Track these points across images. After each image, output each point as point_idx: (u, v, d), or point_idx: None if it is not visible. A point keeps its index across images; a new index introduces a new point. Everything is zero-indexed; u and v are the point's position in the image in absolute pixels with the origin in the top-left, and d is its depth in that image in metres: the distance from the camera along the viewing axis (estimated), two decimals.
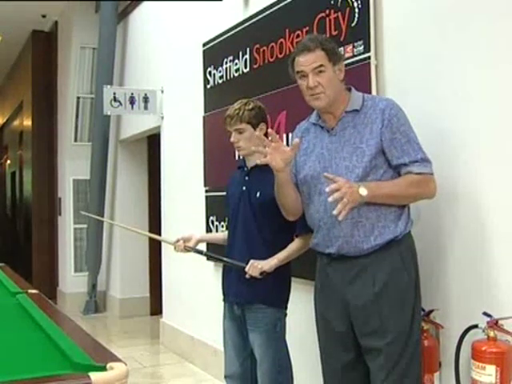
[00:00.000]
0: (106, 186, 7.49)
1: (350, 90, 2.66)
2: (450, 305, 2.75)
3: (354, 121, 2.56)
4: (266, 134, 2.95)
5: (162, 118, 6.02)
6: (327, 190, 2.35)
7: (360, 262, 2.52)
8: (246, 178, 3.13)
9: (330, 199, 2.34)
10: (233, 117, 3.07)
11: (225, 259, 3.09)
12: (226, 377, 3.19)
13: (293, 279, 3.16)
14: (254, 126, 3.06)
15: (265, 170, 2.84)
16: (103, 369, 1.84)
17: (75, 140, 8.17)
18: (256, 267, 2.93)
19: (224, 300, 3.19)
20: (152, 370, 4.59)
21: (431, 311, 2.72)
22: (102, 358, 1.96)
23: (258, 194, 3.04)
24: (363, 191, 2.39)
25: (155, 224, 6.78)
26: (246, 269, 2.95)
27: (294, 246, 3.01)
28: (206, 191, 4.88)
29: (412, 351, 2.50)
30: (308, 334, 3.18)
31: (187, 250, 3.26)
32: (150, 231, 6.55)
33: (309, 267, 2.92)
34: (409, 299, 2.48)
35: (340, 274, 2.58)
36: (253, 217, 3.05)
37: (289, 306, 3.08)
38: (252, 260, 2.96)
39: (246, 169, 3.16)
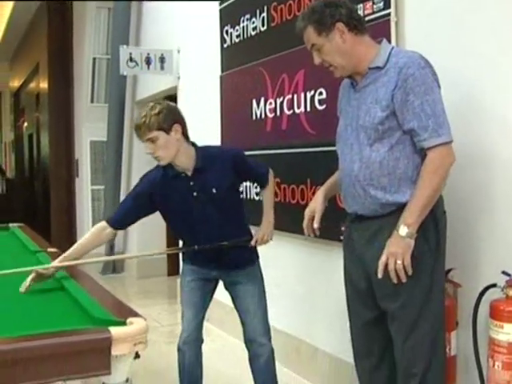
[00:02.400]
0: (122, 147, 7.49)
1: (381, 42, 2.53)
2: (469, 264, 2.74)
3: (376, 78, 2.47)
4: (185, 135, 2.90)
5: (179, 78, 5.98)
6: (379, 274, 2.38)
7: (376, 223, 2.50)
8: (191, 183, 2.95)
9: (380, 275, 2.38)
10: (140, 127, 2.81)
11: (225, 243, 3.01)
12: (182, 345, 3.14)
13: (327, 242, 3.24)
14: (167, 131, 2.82)
15: (204, 166, 2.91)
16: (123, 324, 1.87)
17: (92, 101, 8.16)
18: (263, 239, 3.10)
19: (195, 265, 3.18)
20: (169, 329, 4.65)
21: (449, 270, 2.71)
22: (121, 314, 1.99)
23: (214, 191, 2.96)
24: (402, 232, 2.34)
25: None
26: (253, 243, 3.08)
27: (268, 198, 3.18)
28: None
29: (432, 318, 2.48)
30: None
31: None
32: None
33: None
34: (425, 266, 2.42)
35: (359, 234, 2.58)
36: (220, 212, 2.99)
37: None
38: (254, 235, 3.09)
39: (184, 175, 2.96)
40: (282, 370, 3.89)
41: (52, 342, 1.74)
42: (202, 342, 3.19)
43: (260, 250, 3.17)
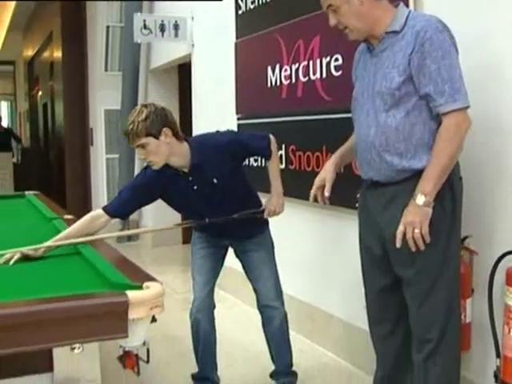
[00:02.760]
0: None
1: (398, 6, 2.48)
2: (485, 231, 2.73)
3: (393, 43, 2.43)
4: (176, 135, 2.83)
5: (193, 45, 5.94)
6: (398, 244, 2.38)
7: (392, 190, 2.49)
8: (190, 178, 2.93)
9: (399, 245, 2.38)
10: (129, 134, 2.74)
11: (236, 216, 3.01)
12: (195, 312, 3.16)
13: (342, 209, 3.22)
14: (156, 136, 2.74)
15: (200, 161, 2.87)
16: (140, 288, 1.88)
17: (106, 70, 8.13)
18: (275, 212, 3.09)
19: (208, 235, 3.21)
20: (184, 296, 4.68)
21: (466, 237, 2.70)
22: (138, 278, 2.00)
23: (215, 181, 2.94)
24: (420, 201, 2.33)
25: None
26: (265, 215, 3.10)
27: (274, 169, 3.12)
28: (238, 119, 4.86)
29: (447, 284, 2.48)
30: None
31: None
32: None
33: None
34: (441, 233, 2.41)
35: (375, 200, 2.57)
36: (225, 197, 2.98)
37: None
38: (265, 206, 3.10)
39: (182, 172, 2.93)
40: (296, 337, 3.92)
41: (69, 305, 1.75)
42: (214, 307, 3.22)
43: (274, 217, 3.17)
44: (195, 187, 2.93)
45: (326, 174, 2.74)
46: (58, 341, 1.77)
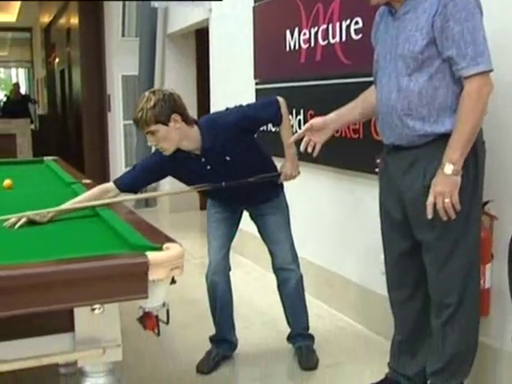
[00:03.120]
0: (154, 81, 7.44)
1: None
2: (505, 196, 2.70)
3: (416, 5, 2.38)
4: (185, 120, 2.80)
5: (210, 10, 5.87)
6: (429, 215, 2.37)
7: (413, 153, 2.47)
8: (203, 160, 2.92)
9: (430, 216, 2.37)
10: (138, 122, 2.75)
11: (252, 179, 2.99)
12: (212, 275, 3.19)
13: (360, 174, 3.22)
14: (165, 123, 2.74)
15: (211, 143, 2.85)
16: (159, 249, 1.89)
17: (123, 35, 8.09)
18: (291, 176, 3.09)
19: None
20: (202, 261, 4.68)
21: (486, 202, 2.68)
22: (157, 239, 2.01)
23: (228, 158, 2.93)
24: (448, 170, 2.31)
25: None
26: (281, 179, 3.11)
27: (286, 133, 3.09)
28: (257, 83, 4.82)
29: (467, 249, 2.48)
30: None
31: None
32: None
33: None
34: (463, 198, 2.39)
35: (396, 164, 2.55)
36: (239, 170, 2.97)
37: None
38: (281, 170, 3.10)
39: (194, 155, 2.92)
40: (313, 302, 3.95)
41: (89, 266, 1.76)
42: (229, 269, 3.25)
43: (292, 181, 3.16)
44: (208, 167, 2.94)
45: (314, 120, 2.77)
46: (78, 301, 1.78)
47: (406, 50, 2.38)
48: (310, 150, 2.75)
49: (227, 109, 3.04)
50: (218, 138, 2.88)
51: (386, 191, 2.67)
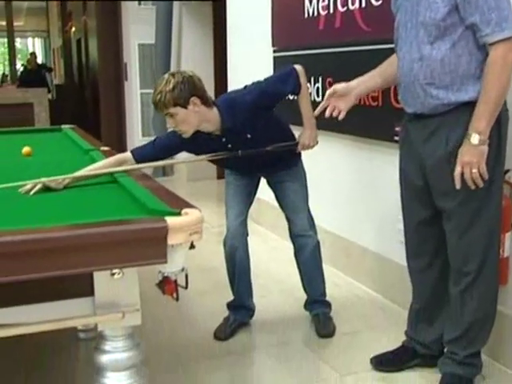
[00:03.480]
0: (171, 49, 7.41)
1: None
2: None
3: None
4: (205, 103, 2.77)
5: None
6: (457, 185, 2.35)
7: (435, 121, 2.44)
8: (223, 139, 2.91)
9: (459, 186, 2.36)
10: (157, 104, 2.73)
11: (269, 148, 2.97)
12: (230, 240, 3.21)
13: (379, 142, 3.22)
14: (184, 106, 2.71)
15: (231, 124, 2.83)
16: (178, 214, 1.89)
17: (139, 3, 8.04)
18: (309, 145, 3.06)
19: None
20: (219, 230, 4.70)
21: (507, 171, 2.65)
22: (176, 205, 2.01)
23: (249, 136, 2.92)
24: (475, 140, 2.29)
25: (220, 88, 6.73)
26: (299, 149, 3.08)
27: (304, 102, 3.06)
28: (274, 51, 4.78)
29: (488, 217, 2.46)
30: None
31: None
32: (216, 96, 6.52)
33: None
34: (486, 165, 2.37)
35: (417, 132, 2.53)
36: (260, 145, 2.96)
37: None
38: (299, 140, 3.07)
39: (214, 136, 2.90)
40: (330, 271, 3.96)
41: (109, 230, 1.76)
42: (247, 235, 3.27)
43: (309, 150, 3.14)
44: (229, 145, 2.93)
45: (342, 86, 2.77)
46: (97, 265, 1.78)
47: (428, 18, 2.34)
48: (335, 114, 2.75)
49: (245, 86, 3.00)
50: (238, 117, 2.87)
51: (406, 159, 2.64)
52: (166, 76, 2.75)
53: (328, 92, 2.75)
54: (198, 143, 2.91)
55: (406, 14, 2.47)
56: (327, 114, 2.75)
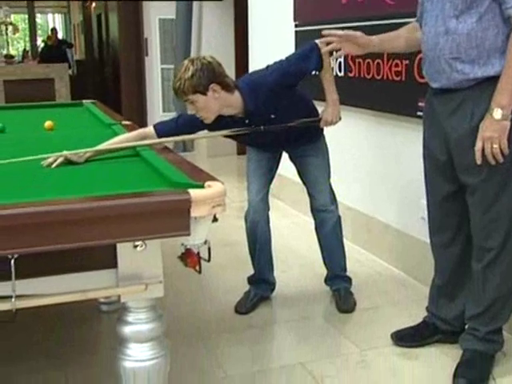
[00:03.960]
0: (191, 24, 7.37)
1: None
2: None
3: None
4: (225, 88, 2.75)
5: None
6: (478, 161, 2.33)
7: (460, 95, 2.41)
8: (247, 121, 2.89)
9: (479, 162, 2.34)
10: (177, 92, 2.73)
11: (292, 123, 2.94)
12: (252, 214, 3.23)
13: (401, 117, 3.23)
14: (204, 92, 2.69)
15: (254, 107, 2.81)
16: (201, 186, 1.88)
17: None
18: (332, 122, 3.01)
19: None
20: (240, 205, 4.72)
21: None
22: (199, 178, 2.01)
23: (272, 116, 2.89)
24: (497, 115, 2.25)
25: (242, 65, 6.70)
26: (322, 125, 3.04)
27: (327, 78, 3.01)
28: (296, 26, 4.73)
29: None
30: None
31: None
32: (237, 72, 6.51)
33: None
34: (509, 139, 2.33)
35: (442, 106, 2.49)
36: (284, 122, 2.94)
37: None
38: (322, 116, 3.02)
39: (237, 118, 2.88)
40: (351, 247, 3.96)
41: (132, 202, 1.76)
42: (268, 209, 3.27)
43: (332, 126, 3.11)
44: (253, 126, 2.91)
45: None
46: (121, 237, 1.79)
47: None
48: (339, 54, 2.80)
49: (267, 67, 2.95)
50: (261, 100, 2.85)
51: (430, 133, 2.62)
52: (186, 63, 2.74)
53: (345, 32, 2.73)
54: (220, 124, 2.89)
55: None
56: (335, 55, 2.78)
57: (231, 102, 2.82)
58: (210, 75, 2.70)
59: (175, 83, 2.72)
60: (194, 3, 7.31)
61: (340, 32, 2.74)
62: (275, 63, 2.93)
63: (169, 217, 1.78)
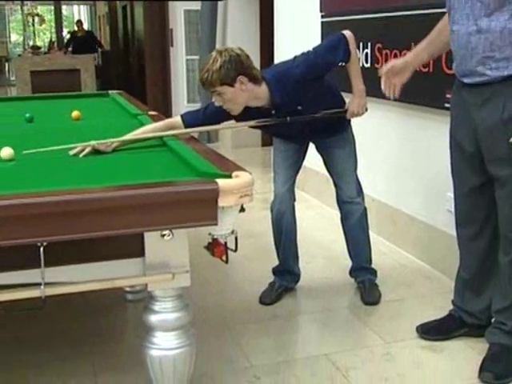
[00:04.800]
0: (217, 15, 7.37)
1: None
2: None
3: None
4: (253, 80, 2.74)
5: None
6: None
7: (493, 88, 2.37)
8: (273, 112, 2.88)
9: None
10: (204, 83, 2.70)
11: (318, 114, 2.94)
12: (278, 204, 3.22)
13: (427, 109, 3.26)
14: (231, 84, 2.68)
15: (281, 99, 2.80)
16: (229, 176, 1.89)
17: None
18: (358, 113, 3.01)
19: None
20: (264, 196, 4.73)
21: None
22: (227, 168, 2.02)
23: (299, 108, 2.88)
24: None
25: (266, 56, 6.68)
26: (348, 116, 3.04)
27: (353, 69, 2.99)
28: (322, 17, 4.71)
29: None
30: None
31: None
32: (262, 63, 6.49)
33: None
34: None
35: (472, 96, 2.46)
36: (311, 113, 2.93)
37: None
38: (348, 107, 3.02)
39: (264, 109, 2.87)
40: (377, 239, 3.94)
41: (160, 191, 1.77)
42: (294, 200, 3.27)
43: (358, 117, 3.10)
44: (279, 117, 2.91)
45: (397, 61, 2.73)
46: (148, 226, 1.81)
47: None
48: (389, 93, 2.75)
49: (294, 58, 2.93)
50: (287, 91, 2.84)
51: (458, 124, 2.59)
52: (214, 54, 2.72)
53: (385, 69, 2.70)
54: (247, 115, 2.89)
55: None
56: (386, 93, 2.73)
57: (258, 94, 2.82)
58: (238, 67, 2.69)
59: (203, 74, 2.70)
60: None
61: (383, 71, 2.74)
62: (302, 54, 2.92)
63: (196, 206, 1.79)
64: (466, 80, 2.47)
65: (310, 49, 2.94)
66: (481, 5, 2.30)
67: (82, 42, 13.32)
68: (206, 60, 2.73)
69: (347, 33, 2.93)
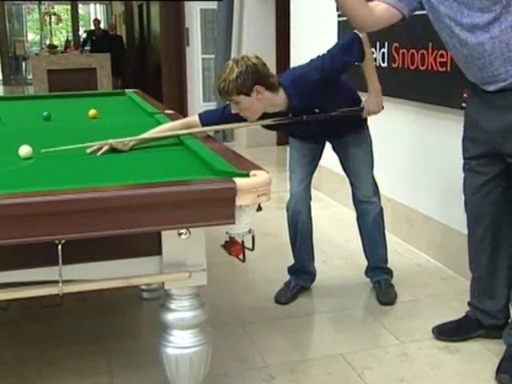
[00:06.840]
0: (233, 15, 7.37)
1: None
2: None
3: None
4: (270, 88, 2.74)
5: None
6: None
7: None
8: (290, 115, 2.89)
9: None
10: (221, 92, 2.71)
11: (334, 113, 2.93)
12: (294, 204, 3.23)
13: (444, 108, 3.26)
14: (248, 94, 2.68)
15: (299, 102, 2.81)
16: (246, 175, 1.89)
17: None
18: (374, 111, 3.02)
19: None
20: (279, 196, 4.72)
21: None
22: (244, 167, 2.02)
23: (317, 110, 2.89)
24: None
25: (282, 56, 6.68)
26: (364, 115, 3.04)
27: (369, 68, 3.00)
28: (339, 16, 4.70)
29: None
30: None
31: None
32: (278, 65, 6.49)
33: None
34: None
35: (497, 101, 2.42)
36: (328, 112, 2.93)
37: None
38: (364, 105, 3.02)
39: (281, 113, 2.88)
40: (392, 239, 3.92)
41: (178, 190, 1.78)
42: (310, 199, 3.27)
43: (374, 116, 3.09)
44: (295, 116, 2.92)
45: None
46: (166, 224, 1.81)
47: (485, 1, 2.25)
48: None
49: (311, 61, 2.93)
50: (305, 97, 2.84)
51: (474, 121, 2.57)
52: (230, 64, 2.71)
53: None
54: (264, 117, 2.89)
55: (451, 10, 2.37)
56: None
57: (275, 102, 2.82)
58: (255, 77, 2.68)
59: (219, 84, 2.70)
60: None
61: None
62: (318, 58, 2.92)
63: (214, 205, 1.80)
64: (488, 88, 2.42)
65: (325, 51, 2.94)
66: (481, 15, 2.27)
67: (102, 40, 13.37)
68: (223, 69, 2.73)
69: (361, 36, 2.91)
